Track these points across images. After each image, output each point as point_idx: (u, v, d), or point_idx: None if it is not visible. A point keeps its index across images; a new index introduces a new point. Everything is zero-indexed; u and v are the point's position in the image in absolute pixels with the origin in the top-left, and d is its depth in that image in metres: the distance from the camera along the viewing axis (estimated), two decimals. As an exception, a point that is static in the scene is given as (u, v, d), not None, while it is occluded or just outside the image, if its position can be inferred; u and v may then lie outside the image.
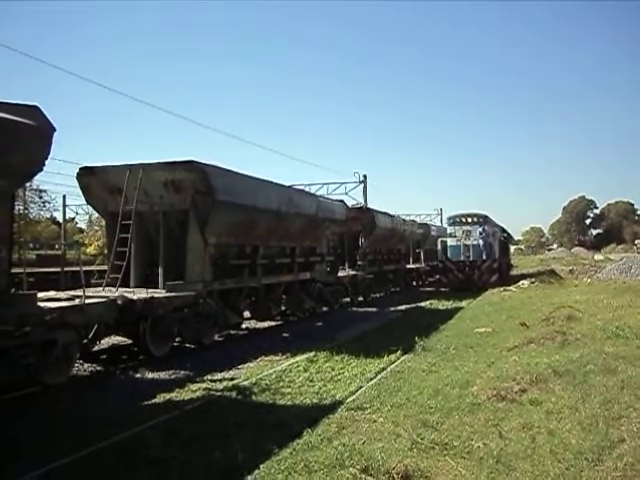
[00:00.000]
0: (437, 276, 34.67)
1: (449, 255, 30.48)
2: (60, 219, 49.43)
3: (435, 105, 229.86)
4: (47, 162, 8.59)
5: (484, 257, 29.69)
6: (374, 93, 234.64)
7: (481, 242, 29.85)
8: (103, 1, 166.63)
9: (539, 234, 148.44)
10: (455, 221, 31.39)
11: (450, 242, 30.86)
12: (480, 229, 30.10)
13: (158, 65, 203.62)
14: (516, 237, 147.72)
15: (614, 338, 10.41)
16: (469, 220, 30.88)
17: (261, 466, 5.24)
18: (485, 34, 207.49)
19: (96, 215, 29.35)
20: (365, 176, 35.74)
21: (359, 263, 24.98)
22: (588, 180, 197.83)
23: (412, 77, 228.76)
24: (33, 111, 8.14)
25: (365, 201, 34.59)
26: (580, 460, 4.92)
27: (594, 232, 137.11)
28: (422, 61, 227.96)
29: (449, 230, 31.66)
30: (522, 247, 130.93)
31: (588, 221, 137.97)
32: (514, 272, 43.87)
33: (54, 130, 8.44)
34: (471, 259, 29.80)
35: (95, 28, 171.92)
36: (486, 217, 31.42)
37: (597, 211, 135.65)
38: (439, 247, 31.18)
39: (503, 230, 39.89)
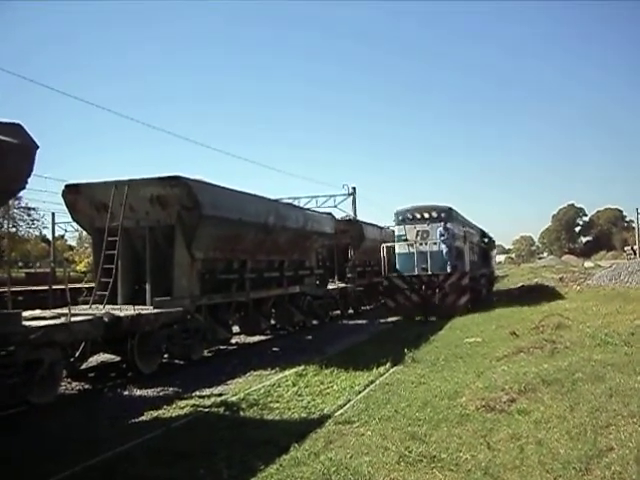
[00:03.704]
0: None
1: (398, 267, 21.57)
2: (49, 237, 49.39)
3: (425, 113, 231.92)
4: (31, 180, 8.57)
5: (449, 269, 20.80)
6: (363, 103, 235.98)
7: (444, 247, 20.92)
8: (85, 17, 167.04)
9: (529, 243, 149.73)
10: (406, 218, 21.99)
11: (399, 248, 21.84)
12: (441, 228, 20.99)
13: (140, 80, 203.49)
14: (507, 246, 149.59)
15: (603, 345, 10.41)
16: (426, 216, 21.69)
17: (247, 483, 5.19)
18: (474, 39, 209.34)
19: (85, 232, 29.35)
20: (354, 188, 36.02)
21: (348, 275, 24.91)
22: (577, 188, 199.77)
23: (402, 85, 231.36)
24: (15, 129, 8.08)
25: (355, 213, 34.82)
26: (568, 470, 4.88)
27: (584, 239, 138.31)
28: (412, 69, 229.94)
29: (397, 231, 22.34)
30: (513, 256, 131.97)
31: (578, 229, 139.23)
32: (500, 285, 41.93)
33: (37, 147, 8.39)
34: (429, 273, 20.66)
35: (80, 45, 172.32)
36: (450, 211, 22.14)
37: (586, 219, 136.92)
38: (383, 255, 21.96)
39: (483, 234, 33.48)
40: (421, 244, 21.26)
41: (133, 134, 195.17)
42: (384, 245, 22.45)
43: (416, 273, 20.83)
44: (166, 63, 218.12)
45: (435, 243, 21.03)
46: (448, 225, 21.17)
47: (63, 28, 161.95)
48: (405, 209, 22.15)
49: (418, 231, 21.54)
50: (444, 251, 20.93)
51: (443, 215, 21.54)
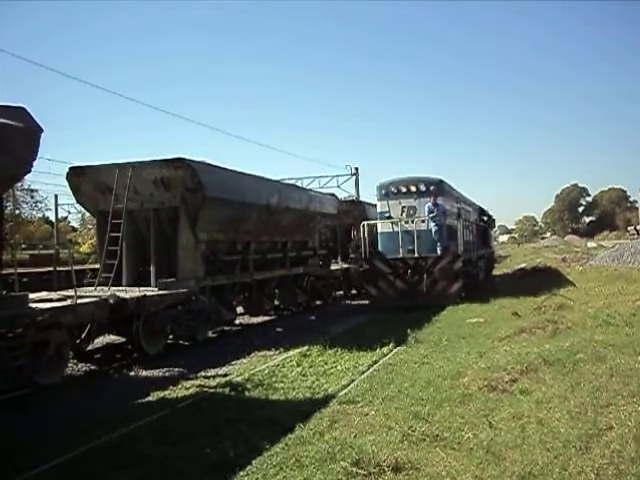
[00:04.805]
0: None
1: (381, 249, 18.82)
2: (52, 218, 49.44)
3: (426, 96, 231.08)
4: (35, 163, 8.59)
5: (439, 251, 17.89)
6: (365, 85, 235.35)
7: (433, 226, 18.12)
8: (92, 2, 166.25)
9: (532, 223, 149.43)
10: (389, 192, 19.04)
11: (382, 227, 19.09)
12: (430, 204, 18.14)
13: (146, 64, 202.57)
14: (510, 226, 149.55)
15: (604, 326, 10.46)
16: (413, 189, 18.74)
17: (253, 462, 5.25)
18: (477, 25, 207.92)
19: (89, 214, 29.27)
20: (357, 169, 35.91)
21: (351, 256, 24.93)
22: (580, 168, 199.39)
23: (404, 68, 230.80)
24: (20, 113, 8.09)
25: (357, 194, 34.72)
26: (569, 449, 4.94)
27: (587, 220, 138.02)
28: (413, 53, 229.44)
29: (380, 207, 19.42)
30: (516, 236, 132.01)
31: (581, 209, 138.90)
32: (502, 265, 41.41)
33: (41, 131, 8.40)
34: (417, 255, 17.63)
35: (85, 29, 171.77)
36: (442, 184, 19.17)
37: (590, 199, 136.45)
38: (364, 235, 18.88)
39: (482, 211, 30.22)
40: (407, 222, 18.33)
41: (142, 118, 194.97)
42: (364, 223, 19.36)
43: (401, 255, 17.98)
44: (172, 48, 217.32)
45: (423, 221, 18.21)
46: (438, 200, 18.31)
47: (75, 16, 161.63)
48: (389, 182, 19.26)
49: (404, 207, 18.71)
50: (433, 230, 18.17)
51: (433, 189, 18.56)
